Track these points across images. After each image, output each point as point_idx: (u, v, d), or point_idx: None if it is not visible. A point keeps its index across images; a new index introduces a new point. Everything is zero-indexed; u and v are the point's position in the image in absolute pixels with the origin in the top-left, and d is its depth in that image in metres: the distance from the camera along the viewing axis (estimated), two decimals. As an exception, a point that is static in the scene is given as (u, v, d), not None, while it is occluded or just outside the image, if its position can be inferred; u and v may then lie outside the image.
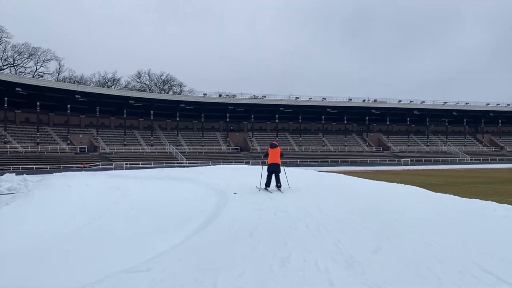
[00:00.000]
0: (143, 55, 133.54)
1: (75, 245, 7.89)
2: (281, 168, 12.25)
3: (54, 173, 20.01)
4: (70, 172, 20.95)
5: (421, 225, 6.83)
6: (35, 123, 58.74)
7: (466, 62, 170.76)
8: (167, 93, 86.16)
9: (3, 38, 68.69)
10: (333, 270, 4.53)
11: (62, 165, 48.15)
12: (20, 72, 71.52)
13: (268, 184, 11.99)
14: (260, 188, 12.14)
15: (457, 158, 74.89)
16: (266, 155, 12.38)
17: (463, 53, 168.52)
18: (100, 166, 50.39)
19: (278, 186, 11.82)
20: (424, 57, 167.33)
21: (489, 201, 9.30)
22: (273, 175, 12.02)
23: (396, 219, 7.31)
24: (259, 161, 52.06)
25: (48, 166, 47.52)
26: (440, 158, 73.57)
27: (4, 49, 69.81)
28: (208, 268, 4.76)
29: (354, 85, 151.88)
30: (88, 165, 51.12)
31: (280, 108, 75.04)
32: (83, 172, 22.38)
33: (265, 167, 12.52)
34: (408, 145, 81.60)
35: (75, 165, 49.45)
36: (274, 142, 12.64)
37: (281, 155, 12.31)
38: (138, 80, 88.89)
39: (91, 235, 8.76)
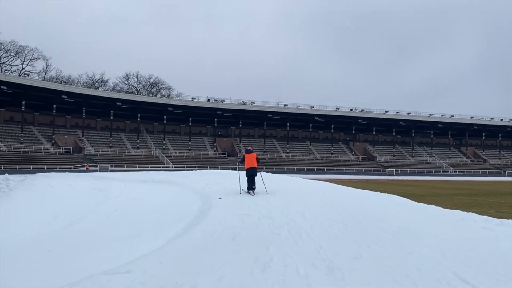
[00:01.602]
0: (132, 57, 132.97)
1: (56, 246, 7.79)
2: (258, 173, 13.13)
3: (37, 173, 19.72)
4: (53, 173, 20.67)
5: (402, 233, 6.93)
6: (20, 122, 57.87)
7: (453, 76, 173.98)
8: (155, 96, 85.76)
9: (-10, 35, 67.84)
10: (313, 275, 4.57)
11: (46, 166, 47.44)
12: (5, 70, 70.47)
13: (250, 187, 12.71)
14: (241, 190, 12.83)
15: (441, 170, 75.88)
16: (243, 160, 13.27)
17: (451, 66, 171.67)
18: (85, 168, 49.81)
19: (253, 188, 12.64)
20: (413, 69, 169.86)
21: (470, 213, 9.48)
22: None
23: (377, 227, 7.40)
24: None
25: (32, 166, 46.78)
26: (425, 169, 74.45)
27: (-10, 46, 68.93)
28: (188, 271, 4.76)
29: (342, 94, 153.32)
30: (72, 166, 50.49)
31: (269, 115, 75.23)
32: (67, 173, 22.10)
33: (243, 172, 13.31)
34: (394, 156, 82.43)
35: (59, 166, 48.79)
36: (249, 148, 13.66)
37: (258, 160, 13.13)
38: (126, 82, 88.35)
39: (73, 236, 8.66)
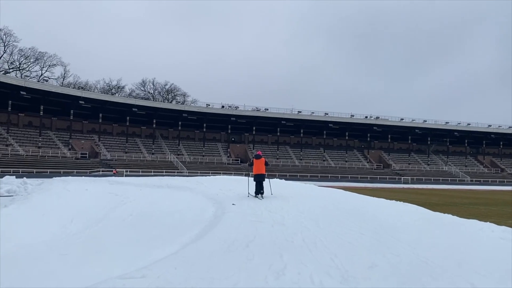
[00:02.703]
0: (149, 64, 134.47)
1: (71, 249, 7.89)
2: (266, 178, 13.53)
3: (54, 178, 20.02)
4: (69, 177, 20.96)
5: (417, 243, 6.83)
6: (38, 127, 58.89)
7: (470, 83, 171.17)
8: (171, 102, 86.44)
9: (11, 42, 69.39)
10: (328, 284, 4.54)
11: (62, 170, 48.13)
12: (25, 76, 71.90)
13: (257, 191, 13.08)
14: (249, 194, 13.32)
15: (457, 178, 74.69)
16: (251, 164, 13.55)
17: (468, 73, 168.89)
18: (101, 173, 50.39)
19: (261, 192, 13.05)
20: (430, 76, 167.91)
21: (488, 222, 9.30)
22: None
23: (393, 236, 7.31)
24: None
25: (49, 170, 47.50)
26: (441, 178, 73.37)
27: (11, 53, 70.45)
28: (202, 277, 4.77)
29: (357, 101, 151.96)
30: (88, 171, 51.13)
31: (282, 122, 75.16)
32: (83, 177, 22.39)
33: (251, 178, 13.70)
34: (409, 164, 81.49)
35: (75, 170, 49.44)
36: (258, 153, 13.84)
37: (266, 164, 13.50)
38: (142, 88, 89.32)
39: (88, 240, 8.76)
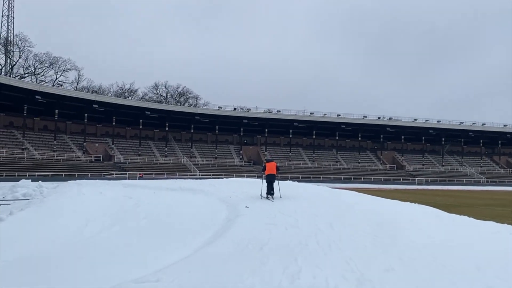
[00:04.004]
0: (161, 67, 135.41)
1: (86, 253, 7.94)
2: (276, 180, 14.22)
3: (69, 181, 20.25)
4: (84, 180, 21.18)
5: (434, 246, 6.73)
6: (53, 130, 59.68)
7: (485, 83, 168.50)
8: (183, 105, 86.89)
9: (26, 47, 70.54)
10: (343, 287, 4.49)
11: (77, 173, 48.68)
12: (40, 80, 73.08)
13: (268, 192, 13.66)
14: (261, 196, 13.87)
15: (473, 179, 73.62)
16: (264, 168, 14.40)
17: (483, 73, 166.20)
18: (114, 175, 50.84)
19: (272, 193, 13.63)
20: (443, 76, 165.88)
21: (505, 224, 9.13)
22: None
23: (408, 239, 7.21)
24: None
25: (64, 173, 48.12)
26: (455, 179, 72.39)
27: (27, 58, 71.62)
28: (216, 281, 4.76)
29: (370, 102, 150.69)
30: (102, 174, 51.62)
31: (294, 123, 75.02)
32: (98, 180, 22.61)
33: (264, 180, 14.54)
34: (423, 165, 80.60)
35: (89, 174, 49.97)
36: (269, 158, 14.38)
37: (277, 168, 14.37)
38: (155, 91, 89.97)
39: (103, 244, 8.81)
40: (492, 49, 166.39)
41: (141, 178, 45.98)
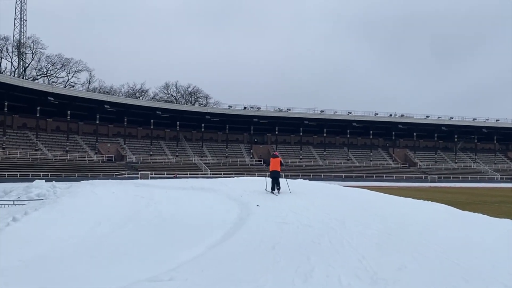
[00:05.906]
0: (171, 67, 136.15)
1: (99, 252, 8.00)
2: (281, 175, 14.54)
3: (81, 181, 20.45)
4: (97, 180, 21.37)
5: (448, 244, 6.65)
6: (65, 131, 60.36)
7: (499, 79, 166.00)
8: (193, 104, 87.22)
9: (38, 49, 71.42)
10: (357, 286, 4.46)
11: (89, 173, 49.19)
12: (52, 82, 73.95)
13: (273, 187, 13.98)
14: (267, 191, 14.11)
15: (487, 176, 72.75)
16: (269, 164, 14.81)
17: (497, 69, 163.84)
18: (126, 175, 51.25)
19: (278, 188, 13.96)
20: (456, 72, 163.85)
21: (521, 222, 8.99)
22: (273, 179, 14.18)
23: (422, 237, 7.14)
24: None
25: (76, 174, 48.66)
26: (469, 176, 71.55)
27: (39, 60, 72.54)
28: (229, 280, 4.76)
29: (382, 99, 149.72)
30: (114, 174, 52.05)
31: (305, 122, 74.84)
32: (110, 180, 22.82)
33: (268, 178, 14.77)
34: (436, 162, 79.82)
35: (102, 174, 50.43)
36: (274, 153, 15.43)
37: (281, 164, 14.63)
38: (165, 91, 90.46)
39: (116, 243, 8.87)
40: (507, 45, 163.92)
41: (175, 177, 45.95)
